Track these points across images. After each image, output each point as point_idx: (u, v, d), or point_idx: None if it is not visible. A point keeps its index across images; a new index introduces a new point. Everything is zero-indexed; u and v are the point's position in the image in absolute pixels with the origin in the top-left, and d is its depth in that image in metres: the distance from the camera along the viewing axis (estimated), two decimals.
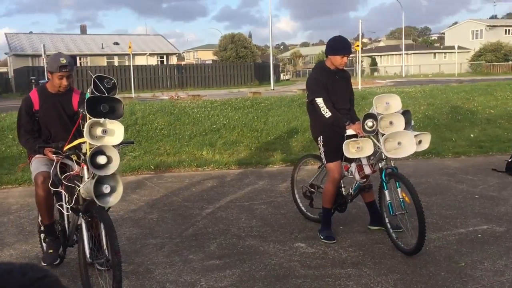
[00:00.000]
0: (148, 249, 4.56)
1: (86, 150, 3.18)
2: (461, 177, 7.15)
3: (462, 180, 6.93)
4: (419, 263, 4.11)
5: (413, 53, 60.56)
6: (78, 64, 41.38)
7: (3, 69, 60.36)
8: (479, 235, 4.73)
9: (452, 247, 4.45)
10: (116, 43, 46.12)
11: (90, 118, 3.14)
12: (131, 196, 6.50)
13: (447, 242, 4.56)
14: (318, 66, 4.84)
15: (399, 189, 4.31)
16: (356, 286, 3.72)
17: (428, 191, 6.37)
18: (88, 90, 3.27)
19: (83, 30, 51.73)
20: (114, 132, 3.20)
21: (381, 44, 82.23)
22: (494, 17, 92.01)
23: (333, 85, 4.65)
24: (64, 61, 3.73)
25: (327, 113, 4.49)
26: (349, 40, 4.81)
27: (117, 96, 3.28)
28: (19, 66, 36.31)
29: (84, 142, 3.22)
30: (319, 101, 4.55)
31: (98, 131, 3.15)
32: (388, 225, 4.51)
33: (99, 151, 3.15)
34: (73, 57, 41.54)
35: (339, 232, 4.92)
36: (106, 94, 3.24)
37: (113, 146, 3.20)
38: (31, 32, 47.94)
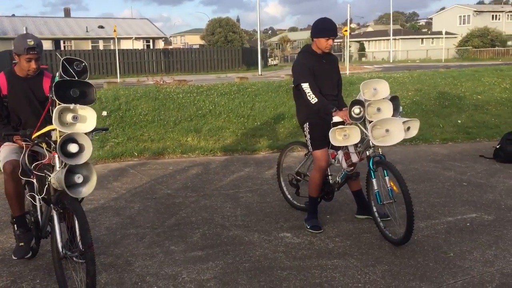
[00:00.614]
0: (128, 240, 4.39)
1: (56, 138, 2.98)
2: (449, 164, 7.07)
3: (450, 167, 6.85)
4: (407, 253, 4.01)
5: (401, 39, 60.46)
6: (62, 48, 40.63)
7: None
8: (468, 224, 4.64)
9: (440, 236, 4.35)
10: (101, 27, 45.31)
11: (59, 104, 2.93)
12: (112, 183, 6.32)
13: (435, 231, 4.47)
14: (304, 50, 4.65)
15: (387, 178, 4.18)
16: (342, 277, 3.60)
17: (416, 178, 6.27)
18: (57, 74, 3.06)
19: (67, 13, 50.73)
20: (86, 118, 3.00)
21: (369, 29, 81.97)
22: (481, 2, 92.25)
23: (319, 69, 4.48)
24: (32, 42, 3.49)
25: (313, 99, 4.33)
26: (336, 23, 4.61)
27: (88, 80, 3.07)
28: (1, 50, 35.50)
29: (54, 129, 3.02)
30: (305, 86, 4.38)
31: (69, 117, 2.95)
32: (376, 214, 4.40)
33: (70, 138, 2.95)
34: (56, 41, 40.84)
35: (326, 221, 4.79)
36: (76, 78, 3.03)
37: (85, 133, 3.00)
38: (13, 15, 46.88)
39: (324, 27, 4.44)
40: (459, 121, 10.07)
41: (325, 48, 4.46)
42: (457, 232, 4.45)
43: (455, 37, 57.33)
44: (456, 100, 11.62)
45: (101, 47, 41.83)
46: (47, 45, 39.59)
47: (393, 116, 4.12)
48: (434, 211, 5.02)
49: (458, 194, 5.58)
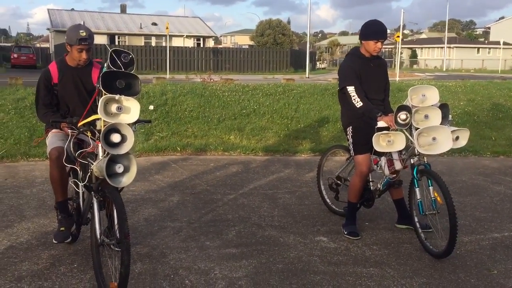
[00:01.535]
0: (165, 232, 4.45)
1: (101, 127, 3.05)
2: (498, 178, 6.76)
3: (500, 181, 6.55)
4: (448, 267, 3.85)
5: (456, 47, 58.68)
6: (117, 43, 41.84)
7: (45, 45, 61.87)
8: None
9: (484, 252, 4.16)
10: (154, 24, 46.37)
11: (105, 94, 2.99)
12: (154, 176, 6.42)
13: (479, 247, 4.27)
14: (352, 53, 4.56)
15: (431, 188, 4.03)
16: (377, 287, 3.50)
17: (463, 191, 6.03)
18: (105, 65, 3.13)
19: (123, 9, 52.18)
20: (130, 109, 3.05)
21: (423, 36, 79.95)
22: None
23: (366, 73, 4.38)
24: (84, 33, 3.59)
25: (358, 103, 4.24)
26: (387, 28, 4.47)
27: (134, 72, 3.12)
28: (60, 42, 36.96)
29: (99, 119, 3.09)
30: (351, 89, 4.29)
31: (113, 107, 3.01)
32: (417, 224, 4.25)
33: (114, 128, 3.01)
34: (111, 36, 42.07)
35: (364, 228, 4.68)
36: (123, 70, 3.09)
37: (128, 124, 3.05)
38: (72, 9, 48.78)
39: (373, 30, 4.33)
40: None
41: (373, 51, 4.35)
42: (502, 249, 4.24)
43: None
44: (511, 113, 11.13)
45: (153, 44, 42.80)
46: (102, 40, 40.92)
47: (441, 124, 3.97)
48: (480, 226, 4.80)
49: (507, 210, 5.32)
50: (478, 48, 60.06)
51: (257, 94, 11.30)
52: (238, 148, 8.13)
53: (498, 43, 50.02)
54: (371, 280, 3.61)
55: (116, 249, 3.39)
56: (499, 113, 11.06)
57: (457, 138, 4.01)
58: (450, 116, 4.15)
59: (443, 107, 4.04)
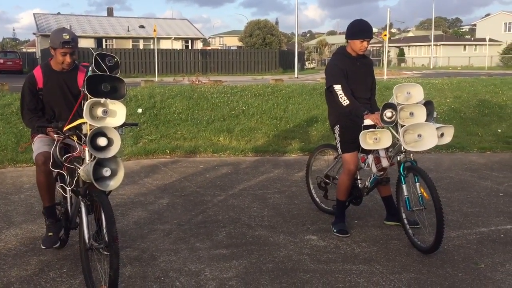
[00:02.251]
0: (154, 235, 4.45)
1: (87, 131, 3.05)
2: (485, 173, 6.84)
3: (487, 177, 6.62)
4: (436, 262, 3.89)
5: (443, 45, 59.13)
6: (104, 47, 41.63)
7: (32, 49, 61.39)
8: (502, 235, 4.47)
9: (472, 246, 4.21)
10: (142, 26, 46.22)
11: (90, 98, 2.99)
12: (143, 179, 6.41)
13: (466, 241, 4.32)
14: (338, 52, 4.59)
15: (417, 184, 4.07)
16: (366, 283, 3.53)
17: (450, 187, 6.09)
18: (90, 68, 3.12)
19: (110, 12, 51.97)
20: (116, 113, 3.05)
21: (410, 34, 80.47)
22: None
23: (353, 72, 4.41)
24: (67, 36, 3.57)
25: (344, 101, 4.27)
26: (372, 27, 4.51)
27: (120, 75, 3.12)
28: (46, 47, 36.68)
29: (84, 123, 3.08)
30: (337, 88, 4.32)
31: (99, 111, 3.01)
32: (405, 220, 4.29)
33: (100, 132, 3.01)
34: (99, 39, 41.85)
35: (353, 226, 4.72)
36: (108, 73, 3.09)
37: (114, 127, 3.05)
38: (58, 13, 48.40)
39: (359, 29, 4.37)
40: (499, 130, 9.74)
41: (359, 50, 4.39)
42: (489, 243, 4.29)
43: (500, 45, 55.61)
44: (496, 109, 11.26)
45: (141, 47, 42.66)
46: (89, 43, 40.68)
47: (426, 121, 4.02)
48: (467, 221, 4.86)
49: (494, 205, 5.39)
50: (465, 46, 60.57)
51: (246, 95, 11.32)
52: (227, 150, 8.15)
53: (484, 40, 50.51)
54: (360, 276, 3.64)
55: (105, 253, 3.39)
56: (485, 109, 11.18)
57: (442, 134, 4.06)
58: (435, 113, 4.20)
59: (428, 104, 4.09)
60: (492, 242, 4.32)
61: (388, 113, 4.04)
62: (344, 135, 4.48)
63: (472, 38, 64.73)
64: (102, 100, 2.99)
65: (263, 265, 3.84)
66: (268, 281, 3.56)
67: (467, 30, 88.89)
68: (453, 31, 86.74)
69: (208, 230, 4.59)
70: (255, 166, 7.24)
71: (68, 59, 3.67)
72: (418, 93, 4.07)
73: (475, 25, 69.33)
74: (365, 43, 4.35)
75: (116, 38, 44.12)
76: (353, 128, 4.36)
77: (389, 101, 4.17)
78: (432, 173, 6.56)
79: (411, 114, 4.03)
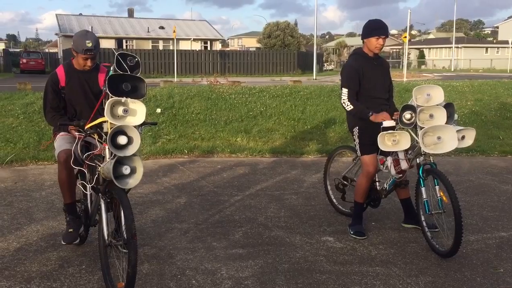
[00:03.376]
0: (172, 234, 4.49)
1: (107, 129, 3.10)
2: (506, 177, 6.73)
3: (507, 181, 6.52)
4: (454, 266, 3.85)
5: (464, 47, 58.35)
6: (124, 47, 42.10)
7: (54, 50, 62.40)
8: None
9: (491, 251, 4.15)
10: (162, 27, 46.62)
11: (111, 97, 3.04)
12: (161, 179, 6.47)
13: (486, 246, 4.27)
14: (355, 52, 4.59)
15: (437, 187, 4.03)
16: (383, 286, 3.51)
17: (470, 190, 6.02)
18: (111, 68, 3.18)
19: (131, 13, 52.55)
20: (136, 112, 3.09)
21: (431, 36, 79.59)
22: None
23: (370, 71, 4.41)
24: (90, 44, 3.62)
25: (348, 106, 4.37)
26: (392, 30, 4.55)
27: (140, 75, 3.17)
28: (68, 47, 37.25)
29: (105, 121, 3.14)
30: (344, 91, 4.38)
31: (120, 110, 3.05)
32: (424, 223, 4.25)
33: (120, 131, 3.06)
34: (119, 40, 42.26)
35: (370, 228, 4.69)
36: (129, 72, 3.13)
37: (134, 126, 3.10)
38: (80, 14, 49.17)
39: (374, 27, 4.36)
40: None
41: (375, 48, 4.38)
42: (509, 247, 4.23)
43: None
44: None
45: (160, 47, 43.03)
46: (110, 44, 41.19)
47: (447, 123, 3.97)
48: (487, 225, 4.80)
49: None
50: (487, 48, 59.71)
51: (264, 96, 11.34)
52: (245, 150, 8.17)
53: (506, 42, 49.66)
54: (376, 279, 3.62)
55: (124, 250, 3.43)
56: (507, 112, 11.00)
57: (463, 137, 4.01)
58: (456, 115, 4.15)
59: (448, 106, 4.04)
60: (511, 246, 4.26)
61: (407, 114, 4.01)
62: (363, 137, 4.46)
63: (494, 41, 63.74)
64: (123, 99, 3.04)
65: (279, 265, 3.85)
66: (284, 281, 3.56)
67: (489, 32, 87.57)
68: (474, 33, 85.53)
69: (225, 230, 4.61)
70: (272, 167, 7.24)
71: (89, 63, 3.75)
72: (438, 95, 4.03)
73: (497, 27, 68.26)
74: (380, 40, 4.34)
75: (136, 38, 44.60)
76: (372, 130, 4.34)
77: (409, 102, 4.14)
78: (452, 176, 6.49)
79: (431, 116, 3.99)
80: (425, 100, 4.05)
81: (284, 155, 8.05)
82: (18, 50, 64.53)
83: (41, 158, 7.34)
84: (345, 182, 5.12)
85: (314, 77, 30.80)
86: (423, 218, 4.27)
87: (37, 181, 6.22)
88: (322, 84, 17.43)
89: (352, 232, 4.49)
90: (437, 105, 4.02)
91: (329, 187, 5.32)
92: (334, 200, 5.24)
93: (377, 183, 4.67)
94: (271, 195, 5.77)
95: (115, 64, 3.14)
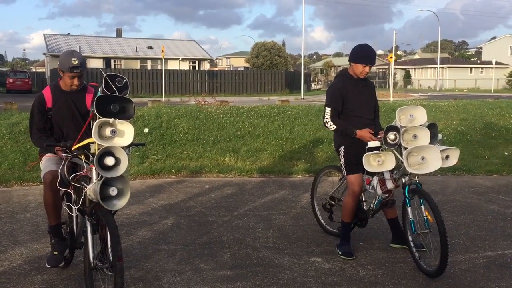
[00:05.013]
0: (159, 255, 4.44)
1: (95, 150, 3.09)
2: (492, 196, 6.80)
3: (494, 200, 6.58)
4: (442, 286, 3.86)
5: (449, 67, 59.34)
6: (112, 67, 42.12)
7: (41, 69, 62.22)
8: (509, 260, 4.43)
9: (478, 271, 4.17)
10: (150, 47, 46.80)
11: (99, 118, 3.04)
12: (149, 199, 6.43)
13: (473, 266, 4.29)
14: (341, 73, 4.69)
15: (422, 207, 4.07)
16: None
17: (456, 210, 6.06)
18: (99, 89, 3.18)
19: (119, 33, 52.72)
20: (124, 133, 3.09)
21: (416, 56, 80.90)
22: None
23: (354, 92, 4.50)
24: (76, 61, 3.65)
25: (331, 126, 4.49)
26: (378, 51, 4.67)
27: (128, 95, 3.18)
28: (55, 67, 37.15)
29: (93, 142, 3.13)
30: (327, 110, 4.50)
31: (107, 131, 3.05)
32: (411, 243, 4.27)
33: (108, 152, 3.05)
34: (107, 60, 42.34)
35: (359, 248, 4.69)
36: (117, 94, 3.14)
37: (122, 147, 3.09)
38: (68, 34, 49.22)
39: (363, 55, 4.47)
40: (506, 153, 9.71)
41: (360, 74, 4.49)
42: (496, 267, 4.25)
43: (506, 67, 55.76)
44: (503, 132, 11.23)
45: (149, 67, 43.12)
46: (98, 64, 41.22)
47: (430, 143, 4.03)
48: (474, 245, 4.82)
49: (501, 228, 5.35)
50: (471, 68, 60.77)
51: (252, 116, 11.38)
52: (233, 170, 8.16)
53: (490, 62, 50.68)
54: None
55: (110, 273, 3.39)
56: (492, 132, 11.16)
57: (447, 157, 4.06)
58: (440, 135, 4.21)
59: (432, 126, 4.10)
60: (499, 266, 4.28)
61: (391, 135, 4.06)
62: (349, 156, 4.50)
63: (479, 61, 64.96)
64: (111, 120, 3.04)
65: (267, 287, 3.83)
66: None
67: (473, 53, 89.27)
68: (459, 54, 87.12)
69: (213, 251, 4.58)
70: (261, 187, 7.24)
71: (76, 81, 3.75)
72: (421, 116, 4.09)
73: (481, 48, 69.64)
74: (367, 68, 4.47)
75: (124, 58, 44.67)
76: (357, 150, 4.38)
77: (393, 123, 4.19)
78: (439, 196, 6.54)
79: (415, 136, 4.05)
80: (408, 120, 4.10)
81: (272, 175, 8.06)
82: (4, 69, 64.20)
83: (26, 179, 7.25)
84: (332, 202, 5.14)
85: (302, 97, 31.04)
86: (410, 238, 4.28)
87: (21, 203, 6.14)
88: (310, 103, 17.56)
89: (340, 253, 4.49)
90: (420, 125, 4.08)
91: (316, 207, 5.33)
92: (322, 220, 5.25)
93: (364, 202, 4.69)
94: (259, 216, 5.76)
95: (103, 85, 3.15)
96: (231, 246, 4.73)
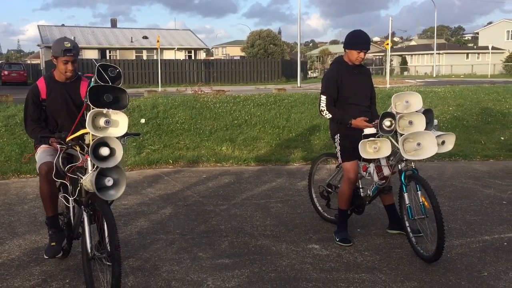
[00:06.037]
0: (157, 245, 4.46)
1: (89, 141, 3.08)
2: (488, 181, 6.83)
3: (490, 185, 6.61)
4: (439, 270, 3.89)
5: (445, 53, 59.22)
6: (108, 58, 41.89)
7: (36, 61, 61.86)
8: (505, 243, 4.46)
9: (475, 255, 4.20)
10: (145, 37, 46.52)
11: (93, 108, 3.03)
12: (146, 189, 6.43)
13: (470, 250, 4.31)
14: (336, 61, 4.67)
15: (419, 192, 4.08)
16: None
17: (453, 195, 6.08)
18: (92, 79, 3.16)
19: (114, 23, 52.36)
20: (118, 123, 3.08)
21: (413, 43, 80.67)
22: None
23: (350, 80, 4.48)
24: (69, 44, 3.64)
25: (326, 115, 4.49)
26: (375, 37, 4.66)
27: (121, 86, 3.16)
28: (50, 58, 36.96)
29: (87, 133, 3.12)
30: (323, 98, 4.51)
31: (101, 121, 3.04)
32: (408, 229, 4.29)
33: (102, 142, 3.04)
34: (102, 51, 42.11)
35: (356, 235, 4.71)
36: (110, 84, 3.12)
37: (116, 137, 3.08)
38: (63, 25, 48.82)
39: (357, 40, 4.44)
40: (502, 138, 9.73)
41: (355, 60, 4.46)
42: (493, 251, 4.28)
43: (502, 53, 55.65)
44: (499, 117, 11.24)
45: (144, 57, 42.90)
46: (93, 55, 40.98)
47: (426, 129, 4.03)
48: (470, 229, 4.85)
49: (497, 213, 5.38)
50: (467, 54, 60.66)
51: (249, 105, 11.36)
52: (230, 159, 8.16)
53: (486, 48, 50.56)
54: (363, 285, 3.64)
55: (108, 263, 3.40)
56: (488, 117, 11.17)
57: (443, 142, 4.06)
58: (435, 121, 4.21)
59: (427, 112, 4.10)
60: (495, 250, 4.31)
61: (387, 122, 4.05)
62: (344, 143, 4.50)
63: (475, 46, 64.82)
64: (105, 110, 3.02)
65: (265, 274, 3.84)
66: None
67: (470, 38, 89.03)
68: (455, 40, 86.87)
69: (211, 240, 4.59)
70: (258, 176, 7.25)
71: (69, 67, 3.73)
72: (416, 102, 4.09)
73: (477, 33, 69.42)
74: (361, 54, 4.43)
75: (119, 49, 44.40)
76: (353, 137, 4.38)
77: (388, 110, 4.19)
78: (435, 182, 6.56)
79: (410, 122, 4.04)
80: (404, 107, 4.10)
81: (269, 163, 8.06)
82: None
83: (23, 171, 7.24)
84: (329, 190, 5.15)
85: (299, 85, 30.95)
86: (407, 224, 4.30)
87: (19, 195, 6.14)
88: (307, 91, 17.52)
89: (338, 239, 4.51)
90: (416, 111, 4.07)
91: (314, 195, 5.34)
92: (319, 208, 5.26)
93: (360, 189, 4.70)
94: (257, 204, 5.77)
95: (96, 75, 3.13)
96: (229, 234, 4.74)
